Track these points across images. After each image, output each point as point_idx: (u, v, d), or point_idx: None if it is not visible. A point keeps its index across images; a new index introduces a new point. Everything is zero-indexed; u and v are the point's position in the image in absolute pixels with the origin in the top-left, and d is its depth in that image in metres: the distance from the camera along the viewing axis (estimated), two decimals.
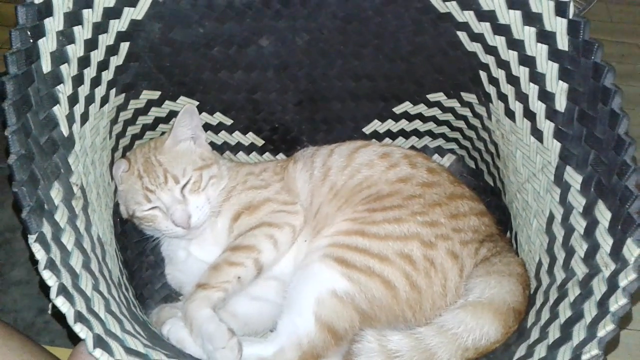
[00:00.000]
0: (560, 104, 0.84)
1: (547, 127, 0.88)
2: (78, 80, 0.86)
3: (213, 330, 0.85)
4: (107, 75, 0.98)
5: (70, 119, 0.81)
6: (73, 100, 0.83)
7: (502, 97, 0.99)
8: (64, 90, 0.80)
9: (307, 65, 1.15)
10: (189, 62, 1.09)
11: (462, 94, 1.14)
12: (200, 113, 1.18)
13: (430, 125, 1.27)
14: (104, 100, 0.98)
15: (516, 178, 1.01)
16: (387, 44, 1.08)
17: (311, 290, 0.86)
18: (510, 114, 0.98)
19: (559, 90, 0.83)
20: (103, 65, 0.96)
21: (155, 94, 1.12)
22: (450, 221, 0.92)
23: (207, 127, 1.23)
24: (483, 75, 1.05)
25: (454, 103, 1.18)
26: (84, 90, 0.88)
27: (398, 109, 1.23)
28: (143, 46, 1.00)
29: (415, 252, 0.87)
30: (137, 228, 1.14)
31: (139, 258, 1.20)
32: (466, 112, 1.18)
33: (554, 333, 0.73)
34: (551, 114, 0.86)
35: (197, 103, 1.17)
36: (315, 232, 1.01)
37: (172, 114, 1.16)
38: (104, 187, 0.97)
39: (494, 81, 1.02)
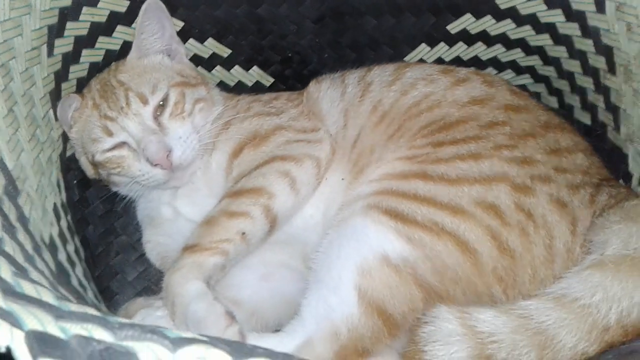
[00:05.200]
0: None
1: None
2: None
3: (203, 312, 0.64)
4: None
5: None
6: None
7: None
8: None
9: None
10: None
11: None
12: (186, 40, 0.95)
13: (497, 50, 0.99)
14: None
15: None
16: None
17: (352, 256, 0.66)
18: None
19: None
20: None
21: (121, 5, 0.88)
22: (550, 158, 0.71)
23: (197, 60, 1.00)
24: None
25: (537, 5, 0.86)
26: None
27: (454, 26, 0.97)
28: None
29: (503, 200, 0.67)
30: (101, 194, 0.89)
31: (105, 238, 0.94)
32: (557, 16, 0.86)
33: None
34: None
35: (181, 24, 0.94)
36: (356, 169, 0.79)
37: None
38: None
39: None
